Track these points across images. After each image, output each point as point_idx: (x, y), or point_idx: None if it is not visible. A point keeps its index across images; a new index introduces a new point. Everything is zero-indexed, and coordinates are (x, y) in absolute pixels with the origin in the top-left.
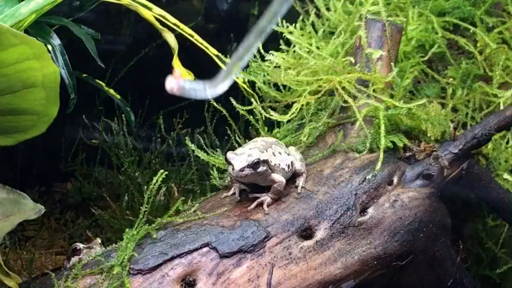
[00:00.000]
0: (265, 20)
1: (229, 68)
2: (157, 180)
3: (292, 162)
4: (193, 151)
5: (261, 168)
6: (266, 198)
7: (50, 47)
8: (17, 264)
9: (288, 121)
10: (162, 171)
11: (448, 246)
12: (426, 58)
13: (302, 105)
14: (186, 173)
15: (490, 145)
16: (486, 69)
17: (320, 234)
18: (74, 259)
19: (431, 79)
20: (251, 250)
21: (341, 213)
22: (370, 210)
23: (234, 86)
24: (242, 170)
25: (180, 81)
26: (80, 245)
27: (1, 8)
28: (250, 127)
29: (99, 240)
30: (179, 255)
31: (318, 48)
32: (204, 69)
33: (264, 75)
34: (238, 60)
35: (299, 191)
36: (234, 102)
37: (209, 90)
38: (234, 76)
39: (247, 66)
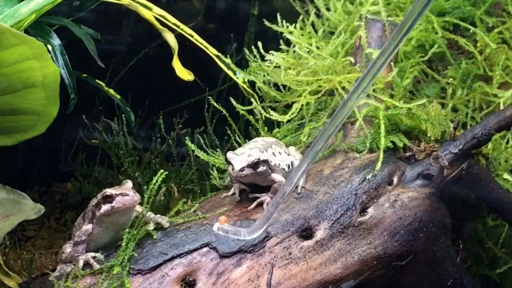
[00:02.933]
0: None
1: (266, 216)
2: (157, 181)
3: (292, 162)
4: (193, 151)
5: (261, 168)
6: (266, 198)
7: (50, 47)
8: (17, 264)
9: (288, 121)
10: (162, 171)
11: (448, 246)
12: (426, 58)
13: (302, 105)
14: (186, 173)
15: (490, 145)
16: (486, 69)
17: (320, 234)
18: (106, 207)
19: (431, 79)
20: (251, 250)
21: (341, 213)
22: (370, 210)
23: (234, 86)
24: (242, 170)
25: (224, 226)
26: (112, 191)
27: (1, 8)
28: (250, 127)
29: (130, 184)
30: (179, 255)
31: (318, 48)
32: (204, 69)
33: (264, 75)
34: (275, 209)
35: (299, 191)
36: (234, 102)
37: (247, 234)
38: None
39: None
